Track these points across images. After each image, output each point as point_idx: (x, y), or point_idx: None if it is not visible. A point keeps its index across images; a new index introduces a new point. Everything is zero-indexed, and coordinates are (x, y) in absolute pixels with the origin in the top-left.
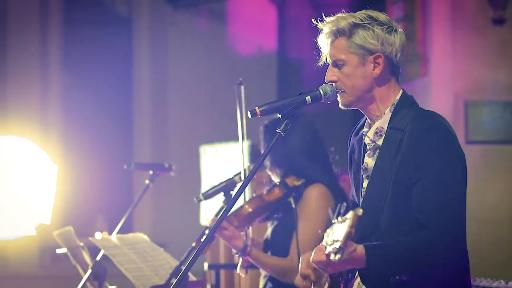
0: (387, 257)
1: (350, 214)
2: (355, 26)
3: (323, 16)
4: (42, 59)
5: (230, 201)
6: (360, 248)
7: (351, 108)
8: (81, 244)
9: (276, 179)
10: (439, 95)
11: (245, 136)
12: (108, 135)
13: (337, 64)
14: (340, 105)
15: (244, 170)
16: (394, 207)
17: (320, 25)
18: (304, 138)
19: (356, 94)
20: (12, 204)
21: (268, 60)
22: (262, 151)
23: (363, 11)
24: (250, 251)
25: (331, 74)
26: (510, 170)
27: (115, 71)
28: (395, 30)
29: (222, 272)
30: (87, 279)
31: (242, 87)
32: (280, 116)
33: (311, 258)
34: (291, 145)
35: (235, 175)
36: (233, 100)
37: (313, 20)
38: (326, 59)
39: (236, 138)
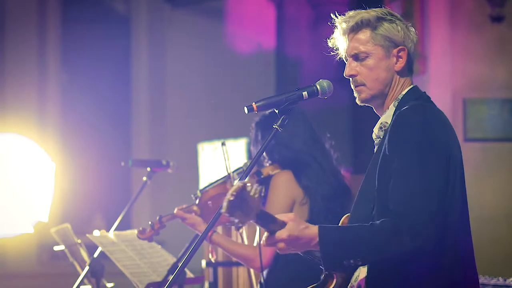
0: (340, 239)
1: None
2: (379, 19)
3: (336, 14)
4: (40, 57)
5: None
6: (314, 228)
7: (367, 105)
8: (79, 241)
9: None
10: (438, 92)
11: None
12: (106, 133)
13: (358, 57)
14: (358, 101)
15: (241, 167)
16: (380, 198)
17: (338, 20)
18: (297, 127)
19: (378, 88)
20: (10, 202)
21: (266, 58)
22: (252, 149)
23: (380, 8)
24: (210, 237)
25: (351, 68)
26: (508, 168)
27: (113, 69)
28: (411, 27)
29: (220, 270)
30: (85, 276)
31: (225, 148)
32: (277, 111)
33: (263, 241)
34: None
35: (232, 172)
36: (231, 97)
37: (332, 15)
38: (345, 54)
39: (234, 135)
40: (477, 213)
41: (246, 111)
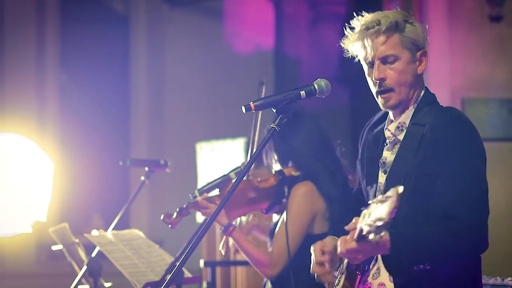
0: (412, 245)
1: (392, 192)
2: (403, 21)
3: (357, 16)
4: (39, 56)
5: (224, 196)
6: (386, 234)
7: (392, 111)
8: (77, 240)
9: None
10: (436, 92)
11: (257, 131)
12: (104, 133)
13: (387, 60)
14: (383, 106)
15: (239, 167)
16: (413, 201)
17: (358, 23)
18: (310, 135)
19: (405, 92)
20: (9, 201)
21: (265, 58)
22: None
23: (399, 10)
24: (232, 230)
25: (380, 71)
26: (507, 167)
27: (112, 69)
28: (426, 28)
29: (218, 269)
30: (83, 276)
31: (264, 87)
32: (274, 110)
33: (338, 251)
34: (297, 142)
35: (230, 171)
36: (230, 97)
37: (356, 17)
38: (372, 59)
39: (232, 135)
40: None
41: (244, 110)
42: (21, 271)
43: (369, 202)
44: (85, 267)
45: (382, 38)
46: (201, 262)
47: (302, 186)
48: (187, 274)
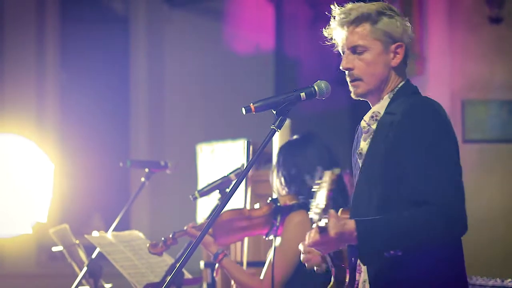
0: (379, 231)
1: (326, 176)
2: (379, 13)
3: (336, 5)
4: (39, 57)
5: (224, 199)
6: (351, 222)
7: (362, 99)
8: (77, 242)
9: (275, 194)
10: (436, 93)
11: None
12: (104, 134)
13: (356, 50)
14: (353, 95)
15: (239, 168)
16: (386, 188)
17: (336, 11)
18: (320, 161)
19: (374, 83)
20: (9, 202)
21: (265, 59)
22: (273, 175)
23: (380, 2)
24: (221, 259)
25: (348, 61)
26: (507, 169)
27: (112, 70)
28: (407, 22)
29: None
30: (83, 277)
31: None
32: (274, 112)
33: (306, 243)
34: (304, 166)
35: (230, 173)
36: (230, 98)
37: (331, 6)
38: (342, 48)
39: (232, 136)
40: (475, 213)
41: (244, 112)
42: (21, 272)
43: (312, 190)
44: (85, 268)
45: (352, 28)
46: (201, 263)
47: (297, 215)
48: (187, 275)
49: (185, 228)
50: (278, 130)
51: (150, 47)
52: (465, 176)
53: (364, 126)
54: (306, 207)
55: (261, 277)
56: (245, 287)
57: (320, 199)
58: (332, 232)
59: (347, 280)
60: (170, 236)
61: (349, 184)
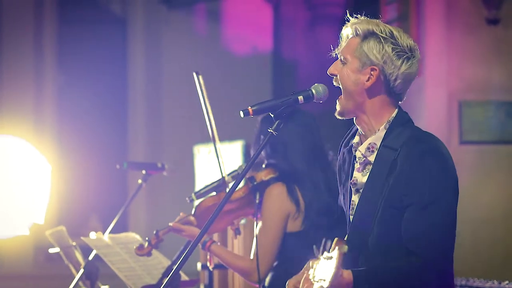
0: (374, 282)
1: (336, 253)
2: (371, 33)
3: (353, 15)
4: (37, 58)
5: (222, 201)
6: (347, 273)
7: (344, 118)
8: (74, 243)
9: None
10: (433, 95)
11: (215, 133)
12: (102, 135)
13: (342, 60)
14: (336, 114)
15: (236, 170)
16: (384, 228)
17: (351, 18)
18: (302, 138)
19: (348, 98)
20: (6, 203)
21: (263, 60)
22: (253, 147)
23: (393, 27)
24: (209, 246)
25: (334, 67)
26: (505, 170)
27: (110, 71)
28: (407, 58)
29: (216, 272)
30: (80, 279)
31: (200, 77)
32: (272, 115)
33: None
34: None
35: (227, 175)
36: (227, 100)
37: (347, 11)
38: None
39: (229, 138)
40: (473, 215)
41: (242, 115)
42: (18, 273)
43: (319, 257)
44: (82, 270)
45: (348, 39)
46: (199, 265)
47: (274, 187)
48: (184, 277)
49: (170, 224)
50: (276, 133)
51: (148, 48)
52: (462, 178)
53: (359, 157)
54: (282, 179)
55: (251, 256)
56: (237, 269)
57: (325, 274)
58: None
59: None
60: (154, 234)
61: None
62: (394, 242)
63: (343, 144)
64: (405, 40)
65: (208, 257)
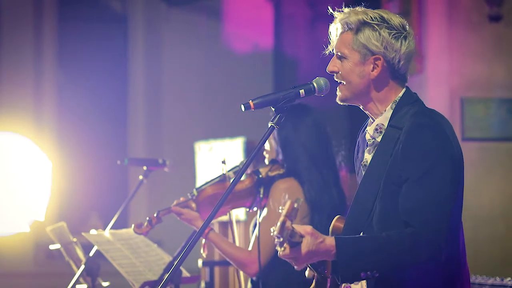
0: (358, 251)
1: (286, 204)
2: (363, 24)
3: (336, 9)
4: (36, 55)
5: (223, 196)
6: (330, 240)
7: (347, 104)
8: (74, 240)
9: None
10: (435, 91)
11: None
12: (102, 132)
13: (339, 56)
14: (337, 99)
15: (237, 166)
16: (385, 205)
17: (335, 13)
18: (308, 135)
19: (352, 91)
20: (7, 200)
21: (263, 58)
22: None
23: (378, 10)
24: (207, 233)
25: (333, 64)
26: (506, 167)
27: (110, 68)
28: (404, 37)
29: (216, 269)
30: (80, 275)
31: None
32: (273, 109)
33: (279, 254)
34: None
35: (228, 171)
36: (228, 97)
37: (329, 8)
38: (333, 49)
39: (230, 135)
40: (474, 212)
41: (243, 109)
42: (19, 270)
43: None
44: (83, 266)
45: (340, 34)
46: (199, 262)
47: (283, 182)
48: (185, 273)
49: (171, 206)
50: (277, 127)
51: (148, 46)
52: (464, 175)
53: (368, 139)
54: (291, 175)
55: (249, 248)
56: (234, 259)
57: (279, 220)
58: (304, 250)
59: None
60: (155, 215)
61: (345, 181)
62: (394, 218)
63: (360, 133)
64: (396, 20)
65: (203, 243)
